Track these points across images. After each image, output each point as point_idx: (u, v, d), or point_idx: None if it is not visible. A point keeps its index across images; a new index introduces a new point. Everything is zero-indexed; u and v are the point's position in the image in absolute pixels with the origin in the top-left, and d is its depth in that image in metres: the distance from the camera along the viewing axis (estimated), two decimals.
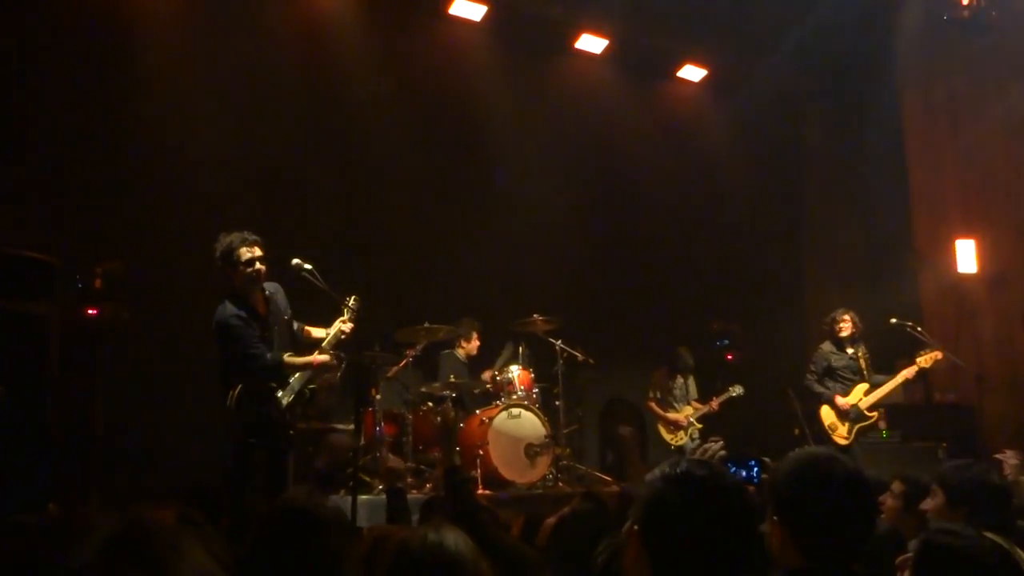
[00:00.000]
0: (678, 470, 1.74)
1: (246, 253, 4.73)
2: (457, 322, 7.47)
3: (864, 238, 9.70)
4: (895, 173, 9.35)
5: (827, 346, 7.42)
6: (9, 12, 6.35)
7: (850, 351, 7.33)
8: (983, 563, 1.98)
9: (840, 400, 7.20)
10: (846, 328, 7.31)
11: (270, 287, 4.94)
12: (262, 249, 4.81)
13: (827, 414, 7.28)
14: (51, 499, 4.26)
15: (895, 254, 9.30)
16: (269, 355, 4.76)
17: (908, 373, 7.12)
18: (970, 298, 8.86)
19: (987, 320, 8.76)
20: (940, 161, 9.24)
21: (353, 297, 5.07)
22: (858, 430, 7.16)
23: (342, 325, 4.99)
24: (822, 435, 7.19)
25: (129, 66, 6.82)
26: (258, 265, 4.75)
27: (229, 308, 4.74)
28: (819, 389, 7.32)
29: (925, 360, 7.07)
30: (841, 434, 7.18)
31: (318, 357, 4.88)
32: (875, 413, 7.22)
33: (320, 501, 2.15)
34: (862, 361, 7.30)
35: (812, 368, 7.42)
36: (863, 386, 7.22)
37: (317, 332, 5.11)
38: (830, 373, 7.34)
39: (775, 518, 1.97)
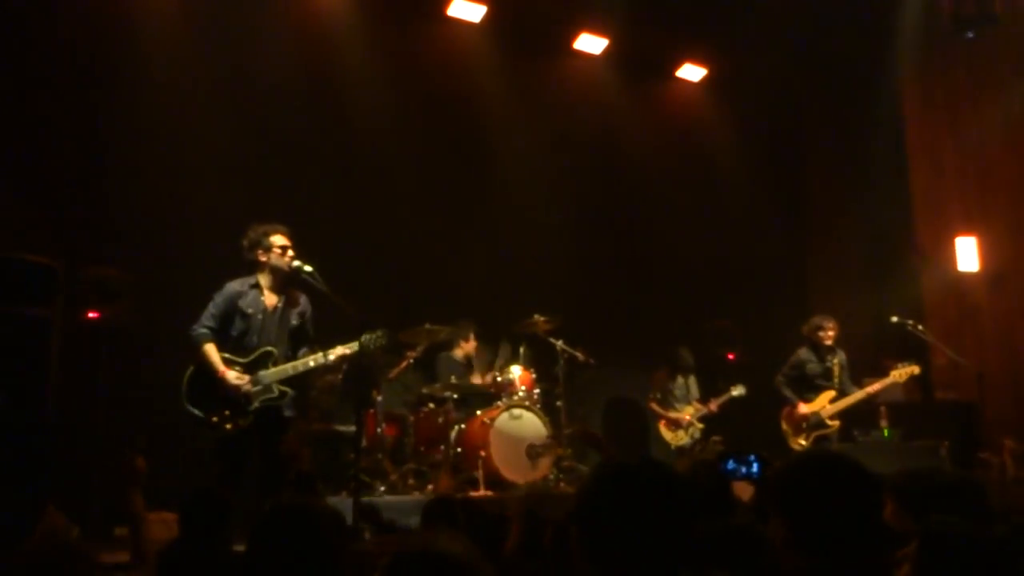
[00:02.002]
0: (609, 465, 1.75)
1: (280, 240, 5.01)
2: (455, 323, 7.47)
3: (865, 236, 9.68)
4: (896, 171, 9.35)
5: (805, 353, 7.35)
6: (7, 14, 6.34)
7: (828, 358, 7.28)
8: (985, 554, 1.98)
9: (802, 407, 7.18)
10: (829, 337, 7.25)
11: (303, 302, 5.10)
12: (291, 240, 5.05)
13: (785, 419, 7.31)
14: (51, 502, 4.25)
15: (896, 252, 9.29)
16: (202, 331, 4.92)
17: (879, 385, 7.06)
18: (971, 296, 8.86)
19: (988, 318, 8.76)
20: (940, 159, 9.24)
21: (380, 332, 5.02)
22: (816, 438, 7.11)
23: (351, 348, 4.96)
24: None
25: (128, 69, 6.82)
26: (290, 252, 4.98)
27: (235, 283, 5.01)
28: (786, 392, 7.30)
29: (899, 374, 7.01)
30: (797, 440, 7.16)
31: (228, 374, 4.87)
32: (836, 422, 7.15)
33: (316, 504, 2.13)
34: (836, 368, 7.24)
35: (785, 371, 7.39)
36: (829, 394, 7.18)
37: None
38: (804, 380, 7.29)
39: (779, 517, 1.97)
